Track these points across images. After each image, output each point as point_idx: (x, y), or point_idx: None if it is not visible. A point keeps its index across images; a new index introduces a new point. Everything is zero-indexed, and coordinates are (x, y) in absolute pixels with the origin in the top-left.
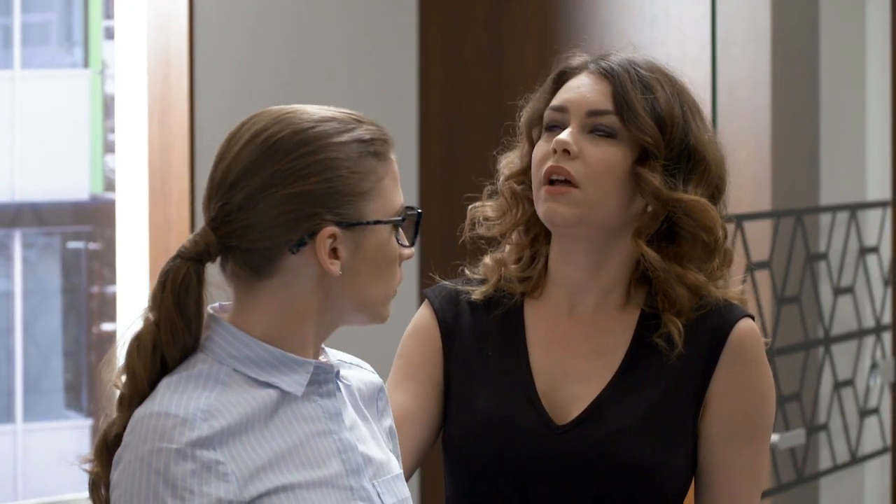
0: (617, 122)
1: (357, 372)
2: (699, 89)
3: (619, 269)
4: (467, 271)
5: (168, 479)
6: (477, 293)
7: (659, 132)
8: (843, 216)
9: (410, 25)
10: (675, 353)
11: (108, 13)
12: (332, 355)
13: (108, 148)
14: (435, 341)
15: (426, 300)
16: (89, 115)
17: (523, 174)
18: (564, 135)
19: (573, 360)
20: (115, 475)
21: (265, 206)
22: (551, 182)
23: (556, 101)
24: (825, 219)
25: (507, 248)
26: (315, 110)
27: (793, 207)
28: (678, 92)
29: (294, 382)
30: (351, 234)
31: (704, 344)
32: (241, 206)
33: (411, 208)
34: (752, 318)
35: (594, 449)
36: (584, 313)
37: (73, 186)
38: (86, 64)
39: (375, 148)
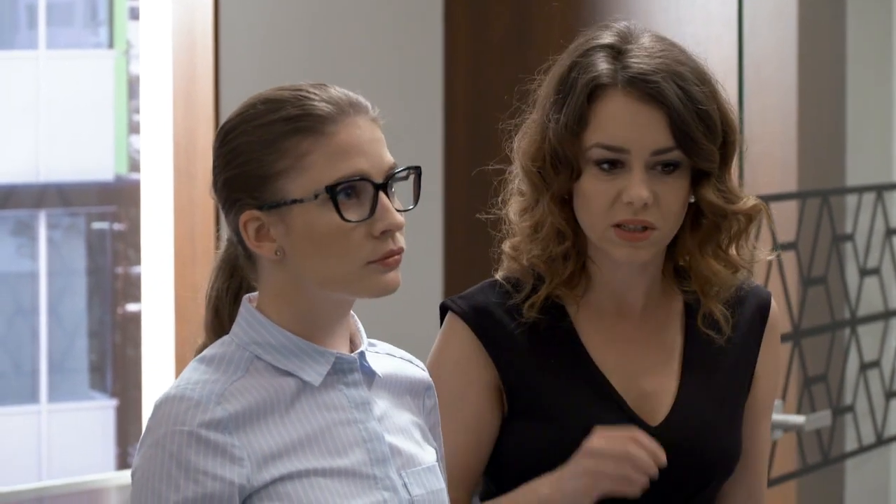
0: (681, 155)
1: (404, 365)
2: (725, 68)
3: (660, 264)
4: (498, 277)
5: (181, 460)
6: (528, 309)
7: (715, 148)
8: (869, 197)
9: (436, 7)
10: (724, 337)
11: None
12: (382, 348)
13: (133, 129)
14: (482, 366)
15: (452, 315)
16: (114, 96)
17: (542, 160)
18: (639, 188)
19: (635, 357)
20: (135, 459)
21: (218, 197)
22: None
23: (607, 139)
24: (851, 200)
25: (526, 237)
26: (267, 93)
27: (819, 188)
28: (705, 80)
29: (313, 372)
30: (276, 215)
31: (752, 323)
32: (215, 196)
33: (359, 179)
34: None
35: (689, 444)
36: (633, 309)
37: (98, 167)
38: (111, 44)
39: (301, 124)
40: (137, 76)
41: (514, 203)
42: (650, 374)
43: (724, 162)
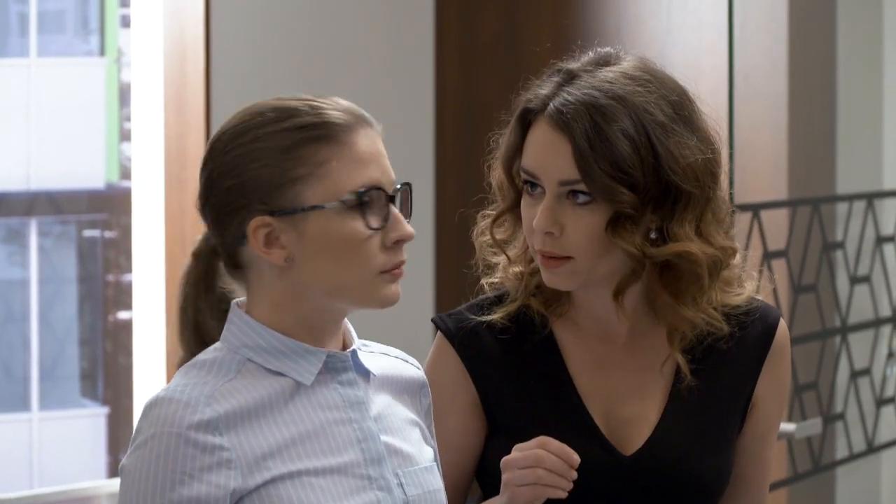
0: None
1: (399, 364)
2: (716, 75)
3: (637, 294)
4: (486, 284)
5: (168, 463)
6: (498, 315)
7: (629, 188)
8: (859, 205)
9: (426, 10)
10: (684, 384)
11: (124, 1)
12: (375, 347)
13: (124, 136)
14: (465, 385)
15: (440, 334)
16: (105, 104)
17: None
18: (541, 215)
19: (618, 383)
20: (123, 461)
21: (212, 204)
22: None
23: (526, 163)
24: (842, 207)
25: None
26: (271, 102)
27: (809, 196)
28: (642, 119)
29: (305, 371)
30: (289, 222)
31: (755, 347)
32: (201, 205)
33: (377, 188)
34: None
35: (663, 474)
36: (619, 335)
37: (89, 175)
38: (102, 52)
39: (318, 132)
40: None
41: (489, 214)
42: (631, 401)
43: (669, 204)
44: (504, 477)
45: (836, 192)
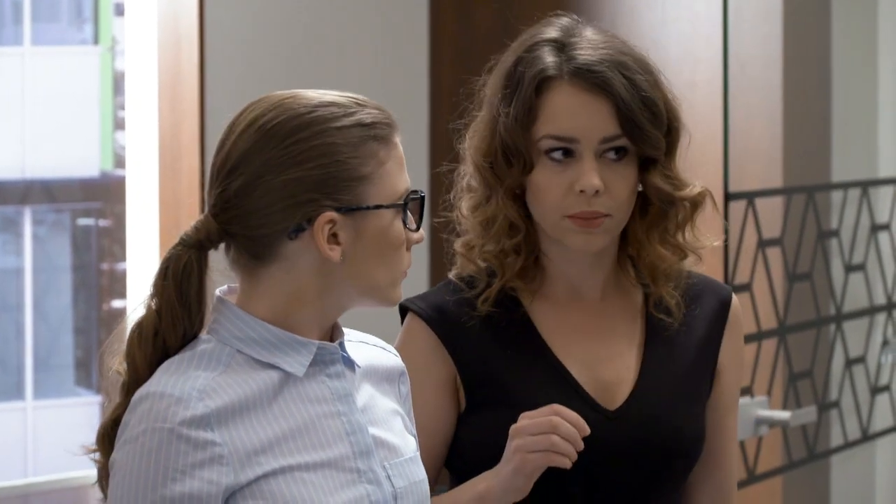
0: (627, 142)
1: (378, 353)
2: (711, 66)
3: (614, 255)
4: (450, 275)
5: (160, 459)
6: (482, 303)
7: (661, 135)
8: (854, 193)
9: (421, 5)
10: (676, 322)
11: None
12: (353, 336)
13: (119, 125)
14: (440, 363)
15: (411, 315)
16: (99, 92)
17: (493, 155)
18: (590, 176)
19: (594, 347)
20: (113, 455)
21: (261, 192)
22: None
23: (556, 129)
24: (837, 196)
25: (475, 233)
26: (317, 95)
27: (804, 184)
28: (648, 70)
29: (296, 363)
30: (351, 219)
31: (713, 316)
32: (238, 192)
33: (416, 192)
34: None
35: (647, 426)
36: (590, 301)
37: (84, 163)
38: (96, 40)
39: (377, 132)
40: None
41: (466, 200)
42: (609, 364)
43: (670, 149)
44: (514, 443)
45: (831, 181)
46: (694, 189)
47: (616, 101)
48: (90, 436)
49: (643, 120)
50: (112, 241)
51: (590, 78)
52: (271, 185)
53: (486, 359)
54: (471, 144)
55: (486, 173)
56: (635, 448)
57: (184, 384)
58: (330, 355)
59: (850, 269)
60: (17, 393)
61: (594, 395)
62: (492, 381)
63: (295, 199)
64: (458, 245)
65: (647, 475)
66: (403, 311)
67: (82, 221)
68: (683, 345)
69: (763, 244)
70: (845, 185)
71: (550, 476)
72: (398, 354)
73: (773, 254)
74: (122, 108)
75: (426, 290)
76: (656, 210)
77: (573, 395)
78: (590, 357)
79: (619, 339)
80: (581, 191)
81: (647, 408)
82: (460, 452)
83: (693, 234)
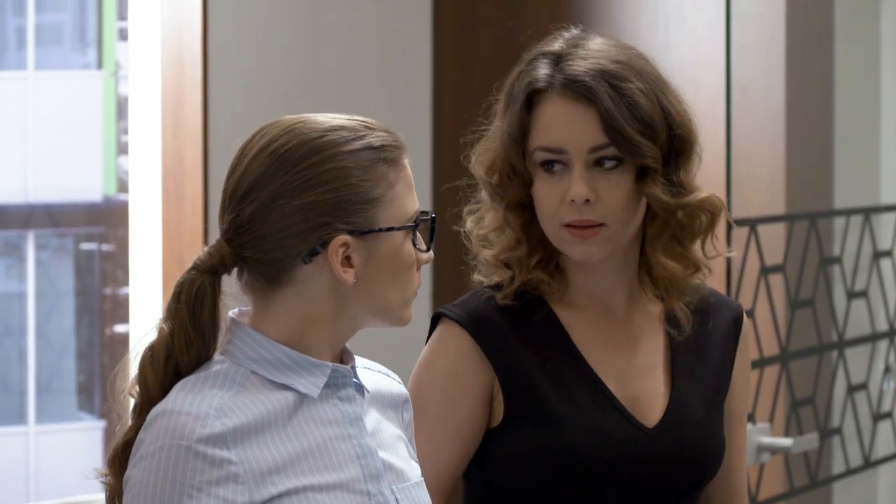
0: (617, 151)
1: (383, 379)
2: (714, 91)
3: (635, 268)
4: (477, 276)
5: (177, 476)
6: (501, 298)
7: (653, 144)
8: (857, 220)
9: (424, 24)
10: (681, 337)
11: (122, 14)
12: (359, 362)
13: (122, 149)
14: (479, 373)
15: (447, 322)
16: (103, 117)
17: (497, 170)
18: (578, 185)
19: (627, 359)
20: (128, 472)
21: (275, 217)
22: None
23: (545, 141)
24: (839, 222)
25: (503, 245)
26: (326, 119)
27: (807, 211)
28: (646, 78)
29: (310, 384)
30: (363, 241)
31: (727, 333)
32: (251, 217)
33: (426, 213)
34: None
35: (685, 444)
36: (618, 313)
37: (87, 188)
38: (99, 65)
39: (387, 154)
40: (126, 97)
41: (482, 212)
42: (640, 378)
43: (676, 157)
44: None
45: (834, 207)
46: (697, 196)
47: (600, 111)
48: (93, 460)
49: (630, 129)
50: (115, 265)
51: (575, 88)
52: (285, 209)
53: (526, 371)
54: (477, 159)
55: (490, 188)
56: (673, 464)
57: (201, 402)
58: (342, 378)
59: (852, 295)
60: (19, 417)
61: (630, 410)
62: (533, 393)
63: (309, 224)
64: (486, 255)
65: (681, 490)
66: (435, 319)
67: (85, 246)
68: (705, 359)
69: (765, 271)
70: (848, 212)
71: (587, 493)
72: (402, 382)
73: (776, 280)
74: (126, 132)
75: (428, 303)
76: (659, 219)
77: (612, 412)
78: (624, 371)
79: (648, 353)
80: (571, 200)
81: (683, 423)
82: (495, 463)
83: (709, 244)
